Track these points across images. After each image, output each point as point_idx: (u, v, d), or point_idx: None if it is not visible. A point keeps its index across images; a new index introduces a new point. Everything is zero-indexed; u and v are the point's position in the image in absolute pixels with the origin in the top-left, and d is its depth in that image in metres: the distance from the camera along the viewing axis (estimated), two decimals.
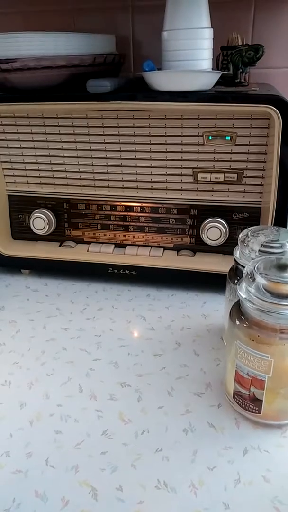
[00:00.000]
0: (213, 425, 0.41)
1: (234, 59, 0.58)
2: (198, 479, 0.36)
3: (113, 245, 0.66)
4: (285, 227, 0.54)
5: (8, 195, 0.68)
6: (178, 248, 0.64)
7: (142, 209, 0.63)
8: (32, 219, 0.65)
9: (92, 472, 0.37)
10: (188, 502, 0.34)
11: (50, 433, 0.40)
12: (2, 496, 0.35)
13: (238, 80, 0.60)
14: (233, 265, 0.49)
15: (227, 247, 0.60)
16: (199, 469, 0.37)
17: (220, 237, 0.59)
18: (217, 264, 0.61)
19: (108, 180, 0.62)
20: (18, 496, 0.35)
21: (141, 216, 0.63)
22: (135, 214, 0.64)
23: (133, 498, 0.34)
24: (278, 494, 0.34)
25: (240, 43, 0.63)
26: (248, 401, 0.40)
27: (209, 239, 0.60)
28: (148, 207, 0.63)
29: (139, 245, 0.65)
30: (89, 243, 0.67)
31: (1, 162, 0.66)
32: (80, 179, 0.63)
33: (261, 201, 0.58)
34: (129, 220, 0.64)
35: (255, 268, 0.39)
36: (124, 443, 0.39)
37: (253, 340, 0.38)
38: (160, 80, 0.54)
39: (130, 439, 0.40)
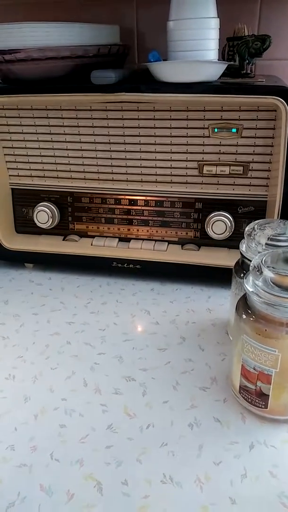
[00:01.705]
0: (219, 420, 0.41)
1: (240, 50, 0.58)
2: (204, 474, 0.36)
3: (117, 239, 0.65)
4: None
5: (12, 188, 0.67)
6: (182, 242, 0.63)
7: (147, 203, 0.63)
8: (35, 213, 0.65)
9: (97, 466, 0.36)
10: (194, 497, 0.34)
11: (55, 427, 0.40)
12: (7, 490, 0.35)
13: (244, 72, 0.59)
14: (239, 259, 0.48)
15: (232, 241, 0.60)
16: (205, 464, 0.36)
17: (225, 231, 0.59)
18: (222, 258, 0.60)
19: (112, 173, 0.62)
20: (23, 490, 0.35)
21: (146, 210, 0.63)
22: (139, 207, 0.63)
23: (138, 493, 0.34)
24: (284, 489, 0.34)
25: (246, 34, 0.62)
26: (254, 395, 0.40)
27: (214, 233, 0.59)
28: (152, 200, 0.62)
29: (143, 239, 0.64)
30: (93, 237, 0.66)
31: (4, 155, 0.65)
32: (84, 172, 0.63)
33: (267, 194, 0.57)
34: (134, 214, 0.64)
35: (262, 261, 0.38)
36: (129, 437, 0.39)
37: (259, 334, 0.37)
38: (165, 71, 0.53)
39: (135, 434, 0.39)
